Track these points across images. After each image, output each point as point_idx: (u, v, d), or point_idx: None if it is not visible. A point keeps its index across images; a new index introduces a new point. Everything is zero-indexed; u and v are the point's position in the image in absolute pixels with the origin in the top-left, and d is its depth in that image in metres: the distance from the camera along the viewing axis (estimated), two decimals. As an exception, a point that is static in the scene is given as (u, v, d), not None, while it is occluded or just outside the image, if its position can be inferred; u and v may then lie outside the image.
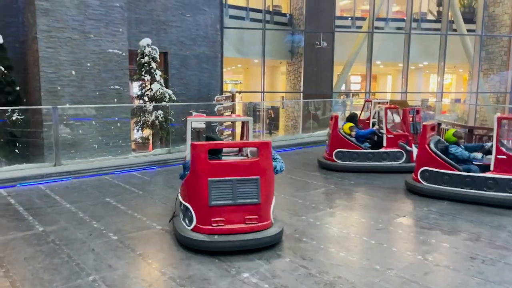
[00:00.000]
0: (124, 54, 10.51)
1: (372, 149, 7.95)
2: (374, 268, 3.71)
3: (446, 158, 5.99)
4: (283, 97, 19.95)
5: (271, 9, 18.09)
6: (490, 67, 19.10)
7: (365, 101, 10.97)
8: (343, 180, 7.26)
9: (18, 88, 9.76)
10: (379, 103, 11.06)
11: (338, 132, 7.97)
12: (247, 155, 5.51)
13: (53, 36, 9.48)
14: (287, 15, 18.43)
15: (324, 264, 3.81)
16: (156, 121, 11.12)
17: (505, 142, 5.96)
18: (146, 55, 11.09)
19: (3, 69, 9.49)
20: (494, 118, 5.73)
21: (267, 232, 4.09)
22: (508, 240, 4.41)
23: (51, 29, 9.43)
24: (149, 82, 11.23)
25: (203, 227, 4.02)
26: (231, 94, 13.10)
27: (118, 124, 10.52)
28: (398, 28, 19.09)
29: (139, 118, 11.33)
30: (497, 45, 18.85)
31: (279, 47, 17.78)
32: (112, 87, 10.39)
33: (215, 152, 4.36)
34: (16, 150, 9.59)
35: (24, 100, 10.05)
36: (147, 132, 11.64)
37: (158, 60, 11.55)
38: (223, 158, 4.68)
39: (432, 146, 6.11)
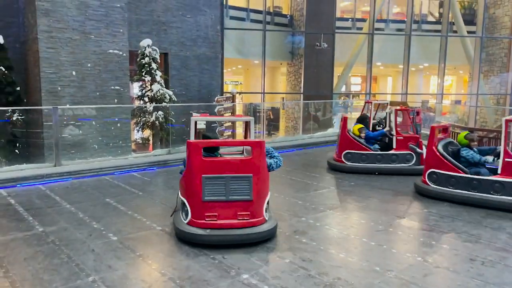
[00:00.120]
0: (124, 54, 10.52)
1: (381, 151, 7.88)
2: (373, 270, 3.71)
3: (453, 160, 5.89)
4: (283, 98, 19.96)
5: (271, 10, 18.11)
6: (491, 68, 19.11)
7: (365, 102, 10.96)
8: (343, 181, 7.25)
9: (18, 88, 9.77)
10: (379, 104, 11.06)
11: (347, 133, 7.94)
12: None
13: (54, 36, 9.49)
14: (288, 16, 18.44)
15: (323, 265, 3.81)
16: (157, 122, 11.13)
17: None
18: (147, 55, 11.10)
19: (3, 69, 9.50)
20: (503, 121, 5.60)
21: (258, 228, 4.21)
22: (508, 241, 4.41)
23: (51, 30, 9.44)
24: (149, 83, 11.24)
25: (197, 221, 4.19)
26: (231, 95, 13.11)
27: (118, 125, 10.53)
28: (399, 30, 19.10)
29: (140, 118, 11.34)
30: (497, 46, 18.86)
31: (279, 48, 17.80)
32: (112, 87, 10.39)
33: (212, 150, 4.50)
34: (16, 151, 9.60)
35: (25, 100, 10.07)
36: (147, 132, 11.64)
37: (159, 61, 11.57)
38: (228, 157, 4.77)
39: (440, 148, 6.02)
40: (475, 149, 6.07)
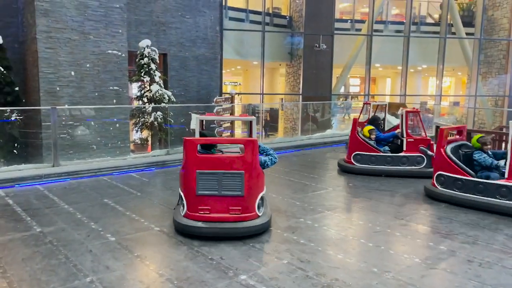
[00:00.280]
0: (123, 55, 10.52)
1: (393, 152, 7.83)
2: (371, 271, 3.71)
3: (459, 163, 5.81)
4: (282, 99, 19.98)
5: (270, 11, 18.14)
6: (489, 70, 19.15)
7: (364, 104, 10.98)
8: (342, 182, 7.26)
9: (17, 88, 9.76)
10: (378, 105, 11.07)
11: (356, 135, 7.92)
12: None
13: (53, 36, 9.49)
14: (287, 17, 18.46)
15: (321, 266, 3.81)
16: (155, 122, 11.13)
17: None
18: (146, 56, 11.11)
19: (2, 69, 9.49)
20: (510, 124, 5.49)
21: (249, 223, 4.41)
22: (505, 243, 4.42)
23: (50, 30, 9.44)
24: (148, 83, 11.25)
25: (192, 214, 4.45)
26: (230, 96, 13.12)
27: (117, 125, 10.52)
28: (397, 31, 19.14)
29: (138, 119, 11.34)
30: (495, 48, 18.91)
31: (278, 49, 17.82)
32: (111, 88, 10.39)
33: (209, 147, 4.72)
34: (15, 151, 9.59)
35: (23, 100, 10.06)
36: (146, 133, 11.65)
37: (158, 62, 11.58)
38: (222, 154, 4.95)
39: (448, 150, 5.95)
40: (490, 153, 5.96)
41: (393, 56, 18.74)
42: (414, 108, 10.07)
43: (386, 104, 11.11)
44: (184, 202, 4.51)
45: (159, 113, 11.08)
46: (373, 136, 7.97)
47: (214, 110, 11.16)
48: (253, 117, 5.18)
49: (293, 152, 10.68)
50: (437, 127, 10.50)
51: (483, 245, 4.35)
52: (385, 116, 9.17)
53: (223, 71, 15.27)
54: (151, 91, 11.16)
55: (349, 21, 19.52)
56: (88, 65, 9.99)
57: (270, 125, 18.76)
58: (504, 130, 10.60)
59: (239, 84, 23.90)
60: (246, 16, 17.08)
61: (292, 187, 6.89)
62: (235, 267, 3.77)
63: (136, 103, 11.67)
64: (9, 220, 5.05)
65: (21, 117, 9.42)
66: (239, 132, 14.12)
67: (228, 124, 12.35)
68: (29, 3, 9.66)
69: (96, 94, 10.18)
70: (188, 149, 4.43)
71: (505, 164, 5.53)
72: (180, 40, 12.84)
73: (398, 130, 8.21)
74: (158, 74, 11.32)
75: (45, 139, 9.33)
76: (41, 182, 6.91)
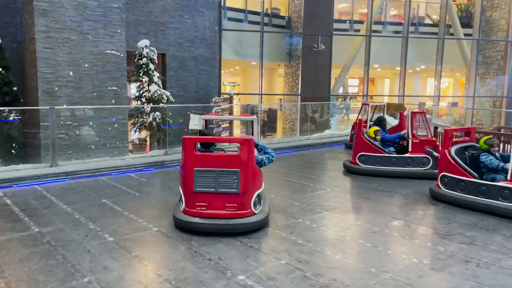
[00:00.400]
0: (122, 55, 10.52)
1: (398, 153, 7.80)
2: (369, 271, 3.72)
3: (463, 164, 5.78)
4: (281, 99, 19.99)
5: (269, 12, 18.15)
6: (487, 71, 19.20)
7: (363, 104, 11.01)
8: (340, 182, 7.27)
9: (15, 88, 9.75)
10: (376, 106, 11.10)
11: (362, 136, 7.91)
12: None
13: (51, 36, 9.48)
14: (286, 17, 18.48)
15: (319, 266, 3.82)
16: (154, 123, 11.12)
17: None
18: (144, 56, 11.10)
19: (0, 69, 9.48)
20: None
21: (244, 220, 4.51)
22: (502, 243, 4.43)
23: (49, 30, 9.43)
24: (147, 84, 11.24)
25: (189, 210, 4.58)
26: (229, 96, 13.13)
27: (116, 125, 10.52)
28: (396, 32, 19.17)
29: (137, 119, 11.33)
30: (494, 49, 18.96)
31: (277, 49, 17.83)
32: (109, 88, 10.38)
33: (207, 146, 4.83)
34: (13, 151, 9.57)
35: (21, 100, 10.04)
36: (145, 133, 11.64)
37: (156, 62, 11.57)
38: (219, 152, 5.09)
39: (452, 151, 5.92)
40: (497, 155, 5.91)
41: (391, 57, 18.77)
42: (420, 109, 10.07)
43: (384, 105, 11.14)
44: (183, 198, 4.64)
45: (157, 113, 11.07)
46: (378, 137, 7.96)
47: (213, 110, 11.16)
48: (254, 117, 5.27)
49: (292, 152, 10.69)
50: (436, 128, 10.53)
51: (480, 246, 4.36)
52: (412, 118, 9.18)
53: (222, 72, 15.28)
54: (150, 91, 11.15)
55: (348, 21, 19.54)
56: (86, 65, 9.98)
57: (269, 126, 18.78)
58: (502, 131, 10.63)
59: (238, 84, 23.91)
60: (244, 16, 17.09)
61: (290, 187, 6.89)
62: (233, 267, 3.77)
63: (134, 103, 11.66)
64: (7, 220, 5.04)
65: (19, 117, 9.40)
66: (238, 132, 14.13)
67: (227, 125, 12.36)
68: (27, 3, 9.65)
69: (95, 94, 10.17)
70: (186, 147, 4.54)
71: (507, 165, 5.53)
72: (179, 40, 12.83)
73: (404, 131, 8.19)
74: (156, 74, 11.31)
75: (43, 139, 9.32)
76: (39, 182, 6.90)
